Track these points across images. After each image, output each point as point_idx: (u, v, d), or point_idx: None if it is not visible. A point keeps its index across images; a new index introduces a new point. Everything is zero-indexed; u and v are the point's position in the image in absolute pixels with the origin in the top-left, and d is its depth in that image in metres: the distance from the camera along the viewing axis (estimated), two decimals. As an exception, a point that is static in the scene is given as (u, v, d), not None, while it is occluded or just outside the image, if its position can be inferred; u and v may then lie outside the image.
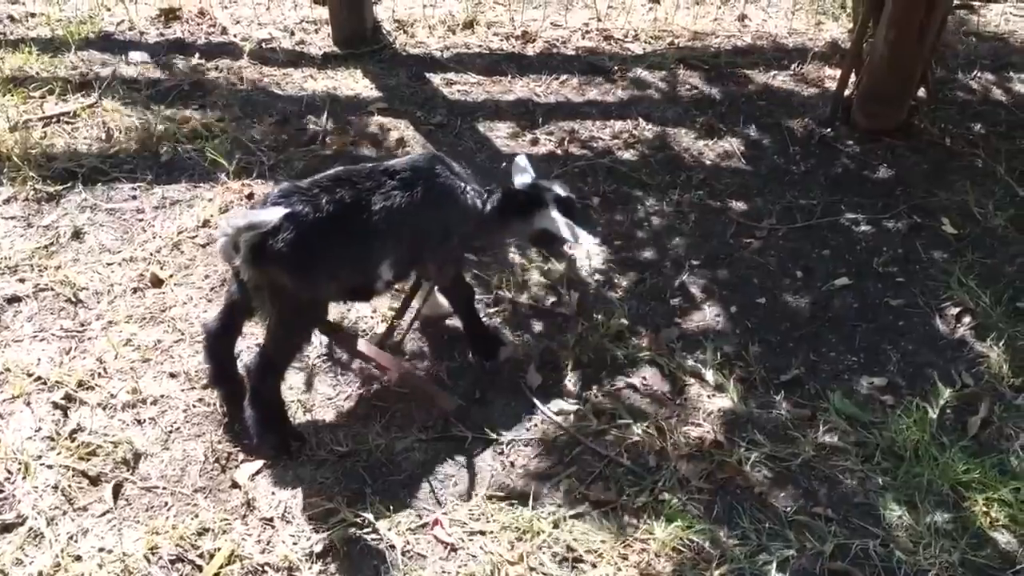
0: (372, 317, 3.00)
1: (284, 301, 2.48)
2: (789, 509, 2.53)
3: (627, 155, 3.67)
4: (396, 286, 2.85)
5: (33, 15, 4.26)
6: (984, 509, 2.53)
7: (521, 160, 2.92)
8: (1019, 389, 2.84)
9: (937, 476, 2.59)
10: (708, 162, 3.66)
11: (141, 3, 4.33)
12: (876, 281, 3.20)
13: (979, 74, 4.13)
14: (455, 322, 2.95)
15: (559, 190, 2.83)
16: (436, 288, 2.96)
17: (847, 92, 3.80)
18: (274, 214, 2.36)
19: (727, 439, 2.69)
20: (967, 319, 3.06)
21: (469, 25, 4.32)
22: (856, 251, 3.31)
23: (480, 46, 4.22)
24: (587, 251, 3.24)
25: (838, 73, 3.88)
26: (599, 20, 4.39)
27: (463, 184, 2.72)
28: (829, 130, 3.79)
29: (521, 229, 2.87)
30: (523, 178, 2.86)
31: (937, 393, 2.81)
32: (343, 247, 2.49)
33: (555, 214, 2.76)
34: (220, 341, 2.67)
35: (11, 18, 4.24)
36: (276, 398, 2.63)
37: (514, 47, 4.22)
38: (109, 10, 4.30)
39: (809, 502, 2.55)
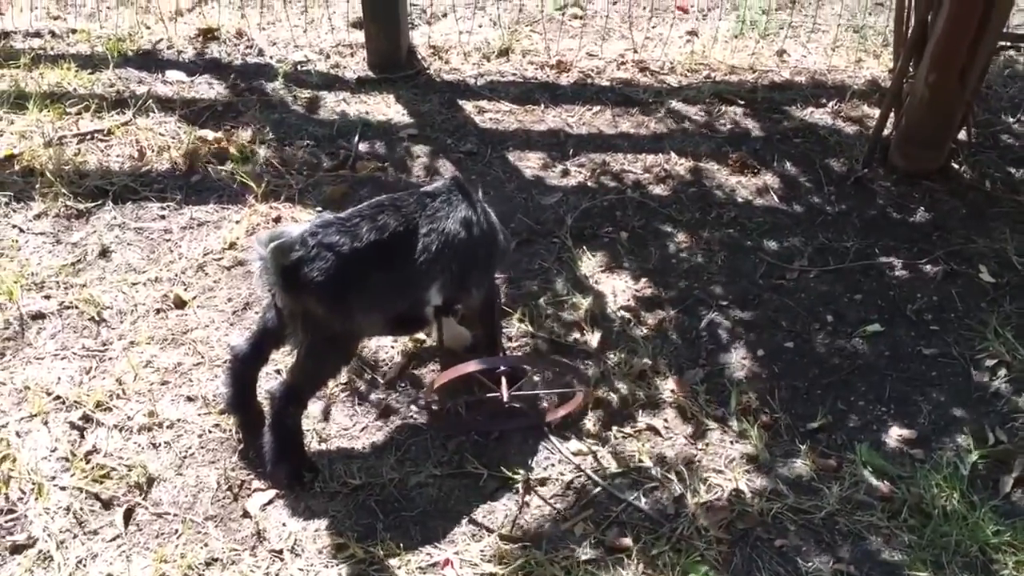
0: (392, 346, 2.97)
1: (317, 331, 2.46)
2: (810, 565, 2.46)
3: (658, 190, 3.63)
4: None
5: (74, 31, 4.31)
6: (1014, 573, 2.44)
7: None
8: (1055, 448, 2.75)
9: (966, 537, 2.50)
10: (740, 199, 3.60)
11: (180, 22, 4.37)
12: (909, 329, 3.12)
13: (1023, 117, 4.03)
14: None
15: None
16: (459, 318, 2.93)
17: (886, 132, 3.73)
18: (296, 229, 2.35)
19: (749, 488, 2.62)
20: (1002, 372, 2.97)
21: (504, 53, 4.31)
22: (889, 297, 3.23)
23: (514, 74, 4.20)
24: None
25: (877, 112, 3.81)
26: (635, 51, 4.35)
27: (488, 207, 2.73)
28: (866, 170, 3.71)
29: None
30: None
31: (969, 449, 2.73)
32: (385, 274, 2.46)
33: None
34: (246, 366, 2.65)
35: (52, 33, 4.29)
36: (295, 428, 2.60)
37: (548, 76, 4.19)
38: (149, 28, 4.35)
39: (831, 558, 2.47)
